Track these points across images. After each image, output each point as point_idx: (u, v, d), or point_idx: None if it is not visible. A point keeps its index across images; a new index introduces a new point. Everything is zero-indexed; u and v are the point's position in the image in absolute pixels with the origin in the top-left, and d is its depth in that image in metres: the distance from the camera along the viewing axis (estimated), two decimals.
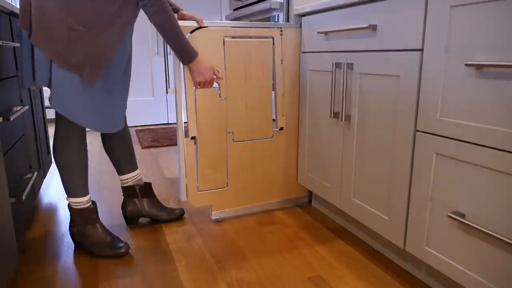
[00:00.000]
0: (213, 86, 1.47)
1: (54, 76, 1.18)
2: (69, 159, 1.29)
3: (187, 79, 1.42)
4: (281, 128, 1.62)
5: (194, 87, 1.43)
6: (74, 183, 1.31)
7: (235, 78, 1.50)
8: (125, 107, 1.33)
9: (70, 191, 1.31)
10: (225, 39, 1.45)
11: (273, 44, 1.53)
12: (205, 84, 1.43)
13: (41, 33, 1.13)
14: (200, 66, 1.37)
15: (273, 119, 1.90)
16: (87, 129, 3.44)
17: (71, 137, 1.28)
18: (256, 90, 1.54)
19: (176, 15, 1.39)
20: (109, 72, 1.22)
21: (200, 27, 1.40)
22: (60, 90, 1.18)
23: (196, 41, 1.41)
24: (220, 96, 1.48)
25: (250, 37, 1.50)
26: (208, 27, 1.41)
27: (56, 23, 1.13)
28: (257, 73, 1.53)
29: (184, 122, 3.12)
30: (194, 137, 1.46)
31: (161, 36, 1.38)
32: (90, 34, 1.15)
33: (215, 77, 1.44)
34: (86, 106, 1.21)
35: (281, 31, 1.53)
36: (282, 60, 1.55)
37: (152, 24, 1.37)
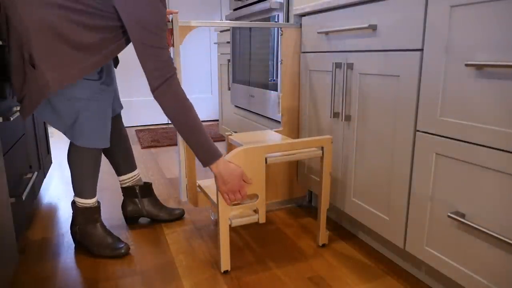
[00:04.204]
0: (245, 202, 1.20)
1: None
2: (82, 162, 1.28)
3: (221, 208, 1.17)
4: (324, 245, 1.38)
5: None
6: (84, 185, 1.31)
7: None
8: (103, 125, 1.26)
9: (79, 192, 1.32)
10: (267, 158, 1.21)
11: (322, 156, 1.29)
12: (235, 196, 1.14)
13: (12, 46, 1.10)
14: (225, 171, 1.11)
15: (274, 120, 1.90)
16: None
17: None
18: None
19: None
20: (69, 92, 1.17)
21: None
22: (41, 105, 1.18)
23: (232, 161, 1.15)
24: (258, 221, 1.25)
25: (296, 153, 1.27)
26: None
27: (15, 44, 1.08)
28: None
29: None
30: (227, 271, 1.22)
31: None
32: (31, 72, 1.07)
33: (245, 189, 1.16)
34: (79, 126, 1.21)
35: (281, 31, 1.53)
36: (281, 60, 1.54)
37: None
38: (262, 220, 1.22)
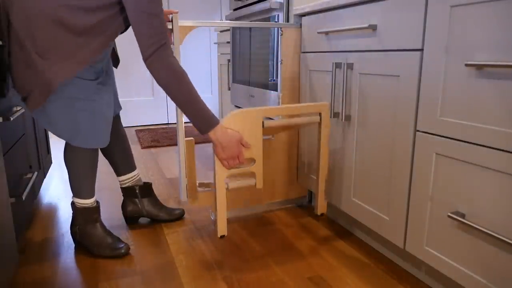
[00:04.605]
0: (243, 167, 1.19)
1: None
2: (79, 162, 1.28)
3: (218, 171, 1.18)
4: (322, 214, 1.41)
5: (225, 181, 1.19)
6: (82, 185, 1.31)
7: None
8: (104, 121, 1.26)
9: (77, 192, 1.31)
10: (264, 122, 1.22)
11: (320, 121, 1.29)
12: (233, 161, 1.16)
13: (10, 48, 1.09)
14: (223, 138, 1.12)
15: (271, 118, 1.90)
16: None
17: None
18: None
19: None
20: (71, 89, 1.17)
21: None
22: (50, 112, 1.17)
23: (229, 124, 1.16)
24: (255, 186, 1.25)
25: (294, 117, 1.27)
26: None
27: (16, 42, 1.07)
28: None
29: (185, 122, 3.12)
30: (224, 235, 1.23)
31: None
32: (42, 63, 1.07)
33: (243, 154, 1.17)
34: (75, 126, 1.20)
35: (281, 31, 1.53)
36: (281, 60, 1.54)
37: None
38: (259, 185, 1.21)
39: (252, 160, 1.21)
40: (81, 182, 1.30)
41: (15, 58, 1.09)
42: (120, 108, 1.46)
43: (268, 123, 1.21)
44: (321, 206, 1.37)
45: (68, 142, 1.25)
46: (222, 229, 1.20)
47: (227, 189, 1.19)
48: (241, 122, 1.16)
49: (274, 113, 1.20)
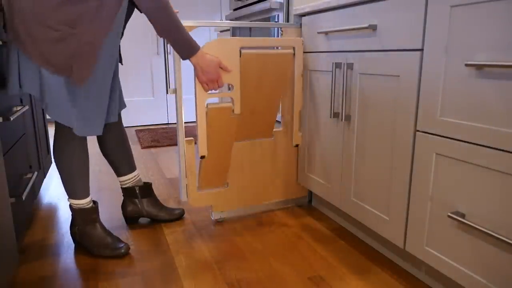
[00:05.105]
0: (223, 89, 1.37)
1: (45, 83, 1.13)
2: (69, 161, 1.28)
3: (199, 93, 1.33)
4: (297, 145, 1.59)
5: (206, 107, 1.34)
6: (75, 185, 1.30)
7: (249, 91, 1.44)
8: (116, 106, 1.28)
9: (71, 193, 1.31)
10: (242, 50, 1.36)
11: (294, 55, 1.44)
12: (212, 84, 1.30)
13: (24, 35, 1.08)
14: (203, 63, 1.25)
15: (277, 121, 1.90)
16: None
17: (71, 139, 1.26)
18: (265, 98, 1.49)
19: None
20: (98, 71, 1.16)
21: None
22: (55, 97, 1.15)
23: (209, 51, 1.32)
24: (233, 112, 1.41)
25: (269, 47, 1.42)
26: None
27: (34, 23, 1.06)
28: (271, 83, 1.46)
29: (185, 122, 3.12)
30: (204, 156, 1.38)
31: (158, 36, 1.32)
32: (73, 33, 1.08)
33: (222, 78, 1.31)
34: (82, 111, 1.18)
35: (281, 31, 1.53)
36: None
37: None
38: (237, 110, 1.37)
39: (231, 86, 1.37)
40: (74, 182, 1.30)
41: (41, 39, 1.08)
42: (124, 105, 1.45)
43: (245, 52, 1.35)
44: (296, 138, 1.50)
45: (56, 140, 1.25)
46: (202, 149, 1.33)
47: (206, 108, 1.34)
48: (221, 50, 1.31)
49: (250, 44, 1.36)
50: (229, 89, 1.39)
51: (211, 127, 1.38)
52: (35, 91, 1.15)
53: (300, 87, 1.46)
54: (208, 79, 1.28)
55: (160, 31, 1.17)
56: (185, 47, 1.21)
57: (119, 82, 1.39)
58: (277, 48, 1.54)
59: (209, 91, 1.34)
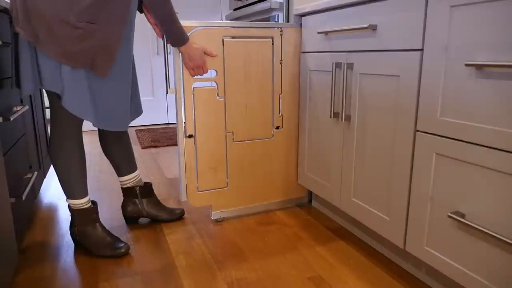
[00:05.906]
0: (209, 74, 1.44)
1: (65, 78, 1.13)
2: (65, 161, 1.28)
3: (186, 79, 1.42)
4: (278, 127, 1.62)
5: (193, 86, 1.43)
6: (72, 185, 1.30)
7: (234, 79, 1.49)
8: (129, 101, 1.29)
9: (69, 193, 1.31)
10: (224, 39, 1.45)
11: (273, 44, 1.52)
12: (198, 69, 1.40)
13: (44, 34, 1.08)
14: (191, 50, 1.36)
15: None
16: (86, 129, 3.45)
17: (66, 139, 1.26)
18: (256, 90, 1.54)
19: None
20: (120, 61, 1.21)
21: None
22: (74, 90, 1.15)
23: (195, 40, 1.40)
24: (218, 95, 1.47)
25: (250, 37, 1.49)
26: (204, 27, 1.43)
27: (56, 22, 1.07)
28: (257, 73, 1.52)
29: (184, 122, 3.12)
30: (192, 135, 1.47)
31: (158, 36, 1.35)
32: (95, 29, 1.11)
33: (207, 64, 1.42)
34: (104, 105, 1.20)
35: (281, 31, 1.53)
36: (281, 60, 1.55)
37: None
38: (221, 94, 1.48)
39: (215, 72, 1.47)
40: (70, 182, 1.30)
41: (64, 37, 1.09)
42: (141, 111, 1.44)
43: (227, 41, 1.45)
44: (276, 120, 1.58)
45: (52, 139, 1.26)
46: (190, 129, 1.46)
47: (193, 91, 1.43)
48: (204, 38, 1.42)
49: (232, 33, 1.46)
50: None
51: (197, 107, 1.46)
52: (56, 87, 1.15)
53: (279, 73, 1.56)
54: (194, 65, 1.39)
55: (160, 20, 1.24)
56: (178, 36, 1.30)
57: (136, 78, 1.40)
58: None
59: (195, 76, 1.44)
